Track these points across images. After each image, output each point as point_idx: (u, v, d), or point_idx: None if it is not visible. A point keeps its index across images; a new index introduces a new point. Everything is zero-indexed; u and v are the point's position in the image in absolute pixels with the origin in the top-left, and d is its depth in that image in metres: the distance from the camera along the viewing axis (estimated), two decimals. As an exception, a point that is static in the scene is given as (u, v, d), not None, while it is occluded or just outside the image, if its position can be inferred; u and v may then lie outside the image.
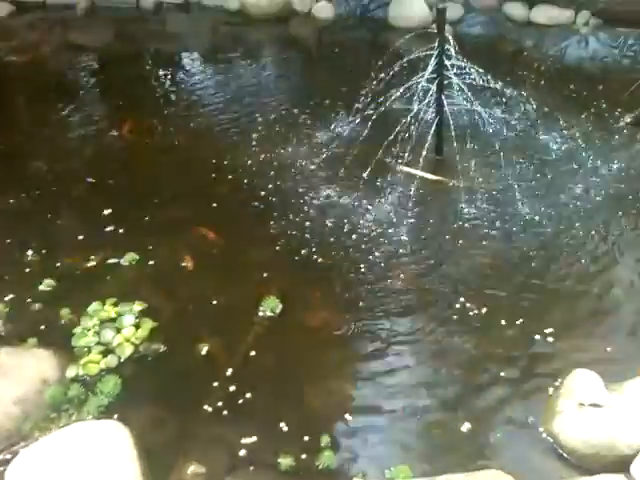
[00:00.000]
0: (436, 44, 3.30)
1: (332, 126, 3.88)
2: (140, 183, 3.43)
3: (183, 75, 4.75)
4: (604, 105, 4.05)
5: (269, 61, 5.10)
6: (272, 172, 3.50)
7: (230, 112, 4.17)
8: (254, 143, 3.77)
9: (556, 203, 3.23)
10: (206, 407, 2.26)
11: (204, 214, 3.16)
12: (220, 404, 2.27)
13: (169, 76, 4.67)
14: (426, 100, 3.38)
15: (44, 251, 2.90)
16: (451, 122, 3.34)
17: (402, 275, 2.82)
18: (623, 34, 4.74)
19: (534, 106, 3.70)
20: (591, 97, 4.17)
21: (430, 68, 3.31)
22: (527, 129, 3.79)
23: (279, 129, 3.92)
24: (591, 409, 2.17)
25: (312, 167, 3.54)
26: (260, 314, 2.61)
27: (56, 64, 4.85)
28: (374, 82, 3.60)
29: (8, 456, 2.10)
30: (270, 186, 3.38)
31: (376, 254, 2.93)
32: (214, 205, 3.24)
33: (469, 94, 3.32)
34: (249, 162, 3.58)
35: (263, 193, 3.32)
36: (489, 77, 3.32)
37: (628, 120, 3.87)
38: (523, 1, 5.04)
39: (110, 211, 3.16)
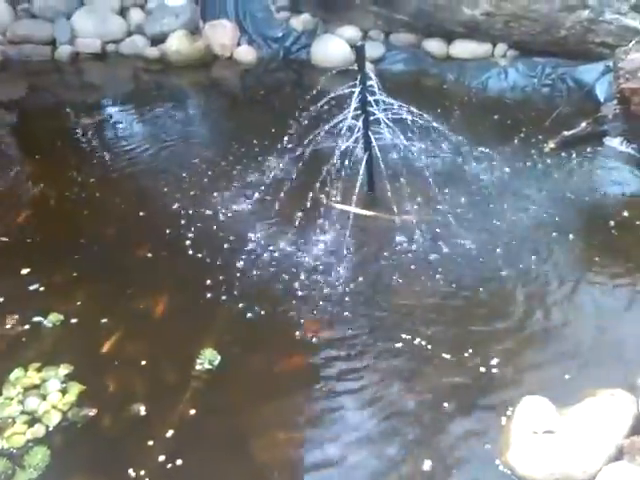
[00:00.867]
0: (358, 81, 3.34)
1: (261, 168, 3.85)
2: (59, 238, 3.31)
3: (104, 125, 4.65)
4: (528, 132, 4.19)
5: (193, 106, 5.07)
6: (200, 220, 3.41)
7: (155, 160, 4.10)
8: (180, 191, 3.68)
9: (492, 229, 3.28)
10: (142, 474, 2.14)
11: (125, 268, 3.07)
12: (156, 470, 2.15)
13: (89, 127, 4.56)
14: (354, 137, 3.41)
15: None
16: (380, 158, 3.37)
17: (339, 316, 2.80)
18: (540, 63, 4.92)
19: (461, 137, 3.79)
20: (515, 126, 4.31)
21: (353, 105, 3.35)
22: (456, 160, 3.87)
23: (206, 174, 3.86)
24: (544, 436, 2.17)
25: (243, 211, 3.49)
26: (198, 367, 2.51)
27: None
28: (301, 121, 3.62)
29: None
30: (198, 234, 3.30)
31: (314, 297, 2.89)
32: (136, 259, 3.14)
33: (396, 129, 3.36)
34: (175, 211, 3.49)
35: (190, 243, 3.24)
36: (414, 111, 3.38)
37: (552, 146, 4.01)
38: (441, 37, 5.21)
39: (29, 270, 3.01)
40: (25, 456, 2.16)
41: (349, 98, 3.37)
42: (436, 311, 2.81)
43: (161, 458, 2.18)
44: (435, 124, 3.55)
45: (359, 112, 3.37)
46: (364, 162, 3.44)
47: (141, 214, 3.48)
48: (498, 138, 4.13)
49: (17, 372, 2.42)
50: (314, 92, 3.64)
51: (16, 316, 2.72)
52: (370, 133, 3.43)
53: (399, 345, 2.62)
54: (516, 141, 4.10)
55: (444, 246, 3.17)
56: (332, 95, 3.44)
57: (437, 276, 2.99)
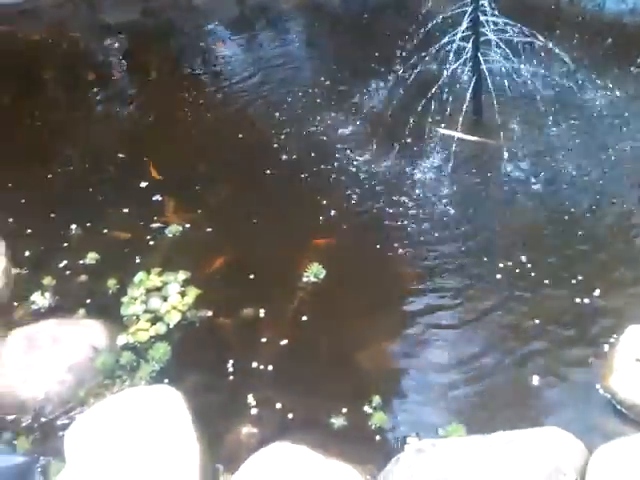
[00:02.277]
0: (469, 1, 3.23)
1: (366, 91, 3.84)
2: (173, 156, 3.42)
3: (211, 48, 4.71)
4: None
5: (298, 30, 5.04)
6: (307, 139, 3.47)
7: (260, 83, 4.13)
8: (287, 112, 3.72)
9: (603, 162, 3.16)
10: (256, 368, 2.30)
11: (243, 184, 3.16)
12: (270, 367, 2.31)
13: (197, 49, 4.65)
14: (462, 59, 3.32)
15: (88, 224, 2.93)
16: (489, 81, 3.28)
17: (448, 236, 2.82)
18: (664, -16, 4.59)
19: (574, 62, 3.61)
20: (632, 51, 4.06)
21: (464, 25, 3.25)
22: (568, 86, 3.71)
23: (311, 96, 3.88)
24: (647, 364, 2.15)
25: (347, 133, 3.51)
26: (305, 280, 2.62)
27: (85, 44, 4.85)
28: (406, 44, 3.55)
29: (66, 421, 2.16)
30: (305, 153, 3.36)
31: (420, 217, 2.92)
32: (252, 176, 3.23)
33: (507, 51, 3.25)
34: (283, 131, 3.55)
35: (294, 164, 3.30)
36: (526, 32, 3.25)
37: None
38: (557, -44, 4.91)
39: (147, 184, 3.18)
40: (149, 350, 2.35)
41: (456, 20, 3.28)
42: (539, 238, 2.78)
43: (272, 356, 2.34)
44: (547, 46, 3.41)
45: (469, 33, 3.29)
46: (471, 85, 3.36)
47: (251, 135, 3.54)
48: (613, 63, 3.91)
49: (141, 275, 2.61)
50: (422, 12, 3.55)
51: (138, 225, 2.91)
52: (480, 55, 3.34)
53: (501, 269, 2.62)
54: (632, 68, 3.88)
55: (550, 173, 3.09)
56: (442, 16, 3.35)
57: (541, 204, 2.94)
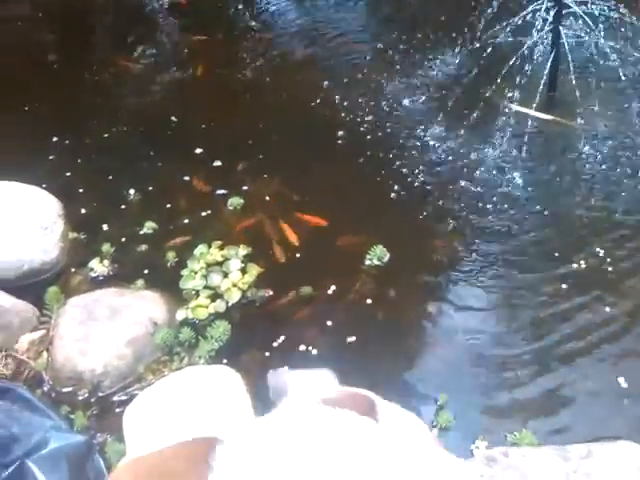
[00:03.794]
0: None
1: (434, 63, 3.67)
2: (230, 122, 3.32)
3: (266, 8, 4.53)
4: None
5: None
6: (371, 111, 3.34)
7: (320, 48, 3.95)
8: (349, 81, 3.57)
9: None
10: (312, 352, 2.26)
11: (303, 157, 3.06)
12: (328, 349, 2.26)
13: (250, 9, 4.45)
14: (541, 32, 3.14)
15: (145, 190, 2.88)
16: (569, 56, 3.11)
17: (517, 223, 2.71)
18: None
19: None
20: None
21: (547, -6, 3.06)
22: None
23: (375, 65, 3.72)
24: None
25: (414, 106, 3.38)
26: (367, 262, 2.55)
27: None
28: (480, 13, 3.38)
29: (123, 397, 2.15)
30: (370, 126, 3.23)
31: (492, 199, 2.81)
32: (312, 149, 3.13)
33: (589, 24, 3.07)
34: (345, 101, 3.40)
35: (361, 133, 3.18)
36: (612, 7, 3.05)
37: None
38: None
39: (201, 150, 3.09)
40: (208, 328, 2.31)
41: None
42: (615, 231, 2.65)
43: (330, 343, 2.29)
44: (633, 21, 3.20)
45: (551, 4, 3.10)
46: (550, 60, 3.19)
47: (310, 104, 3.41)
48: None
49: (201, 248, 2.56)
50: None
51: (200, 193, 2.85)
52: (561, 28, 3.16)
53: (578, 260, 2.51)
54: None
55: (629, 160, 2.94)
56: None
57: (620, 193, 2.80)
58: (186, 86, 3.60)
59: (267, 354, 2.27)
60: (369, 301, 2.42)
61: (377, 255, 2.56)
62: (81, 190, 2.90)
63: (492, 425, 2.02)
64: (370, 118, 3.28)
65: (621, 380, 2.13)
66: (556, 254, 2.58)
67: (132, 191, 2.87)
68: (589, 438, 1.92)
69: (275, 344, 2.30)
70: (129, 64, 3.75)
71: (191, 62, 3.76)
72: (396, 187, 2.88)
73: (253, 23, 4.21)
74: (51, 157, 3.07)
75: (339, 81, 3.55)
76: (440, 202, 2.82)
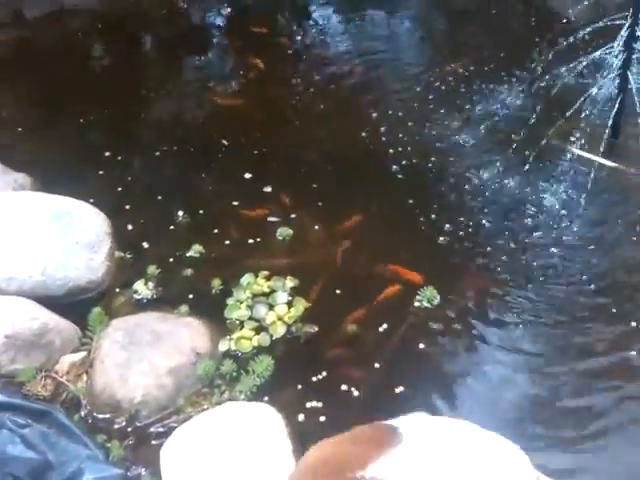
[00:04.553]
0: (630, 13, 2.97)
1: (491, 98, 3.60)
2: (280, 147, 3.28)
3: (317, 32, 4.47)
4: None
5: (412, 17, 4.77)
6: (414, 149, 3.25)
7: (363, 73, 3.87)
8: (399, 113, 3.49)
9: None
10: (354, 393, 2.21)
11: (352, 191, 3.02)
12: (368, 394, 2.20)
13: (302, 32, 4.41)
14: (608, 76, 3.07)
15: (195, 213, 2.87)
16: (637, 102, 3.03)
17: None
18: None
19: None
20: None
21: (621, 40, 2.99)
22: None
23: (421, 96, 3.61)
24: None
25: (470, 144, 3.31)
26: (416, 304, 2.49)
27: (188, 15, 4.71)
28: (542, 51, 3.32)
29: (161, 429, 2.11)
30: (421, 163, 3.17)
31: (546, 249, 2.73)
32: (363, 182, 3.07)
33: (660, 71, 3.00)
34: (393, 136, 3.33)
35: (412, 171, 3.12)
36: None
37: None
38: None
39: (251, 176, 3.06)
40: (250, 361, 2.27)
41: (601, 33, 3.01)
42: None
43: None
44: None
45: (621, 48, 3.03)
46: (616, 105, 3.12)
47: (361, 135, 3.35)
48: None
49: (248, 277, 2.53)
50: (561, 18, 3.29)
51: (249, 219, 2.83)
52: (629, 73, 3.09)
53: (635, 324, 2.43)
54: None
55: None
56: (590, 28, 3.10)
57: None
58: (238, 109, 3.58)
59: (309, 394, 2.22)
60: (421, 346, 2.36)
61: (427, 297, 2.50)
62: (129, 208, 2.90)
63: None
64: (424, 153, 3.23)
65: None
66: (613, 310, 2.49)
67: (181, 212, 2.86)
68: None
69: (316, 382, 2.25)
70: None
71: (245, 83, 3.76)
72: (447, 227, 2.82)
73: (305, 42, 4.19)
74: (102, 172, 3.07)
75: (393, 111, 3.51)
76: (489, 247, 2.75)
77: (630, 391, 2.21)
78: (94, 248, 2.58)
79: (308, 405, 2.17)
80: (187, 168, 3.12)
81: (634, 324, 2.42)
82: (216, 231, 2.79)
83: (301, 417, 2.16)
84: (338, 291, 2.55)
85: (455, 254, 2.73)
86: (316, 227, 2.82)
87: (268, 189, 2.99)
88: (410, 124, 3.41)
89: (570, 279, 2.63)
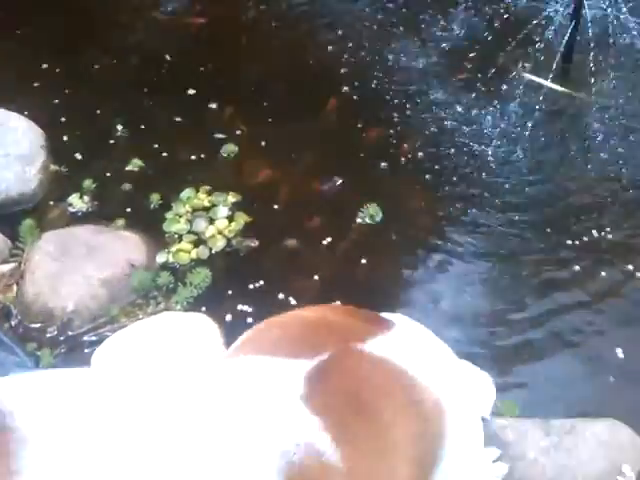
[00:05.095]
0: None
1: (443, 24, 3.54)
2: (227, 65, 3.17)
3: None
4: None
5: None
6: (376, 69, 3.22)
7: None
8: (352, 34, 3.39)
9: None
10: (291, 302, 2.23)
11: (302, 108, 2.97)
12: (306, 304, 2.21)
13: None
14: (563, 0, 3.06)
15: (135, 127, 2.79)
16: (589, 29, 3.03)
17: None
18: None
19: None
20: None
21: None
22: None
23: (381, 18, 3.52)
24: None
25: (422, 66, 3.28)
26: (359, 220, 2.50)
27: None
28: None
29: (94, 338, 2.10)
30: (372, 84, 3.13)
31: (494, 167, 2.75)
32: (315, 101, 3.02)
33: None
34: (344, 56, 3.26)
35: (363, 91, 3.08)
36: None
37: None
38: None
39: (195, 92, 2.99)
40: (188, 274, 2.25)
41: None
42: (617, 213, 2.61)
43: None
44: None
45: (575, -28, 3.01)
46: (569, 31, 3.10)
47: (313, 59, 3.25)
48: None
49: (188, 192, 2.49)
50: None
51: (192, 135, 2.78)
52: (583, -1, 3.08)
53: (571, 242, 2.47)
54: None
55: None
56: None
57: (626, 171, 2.75)
58: (183, 26, 3.45)
59: (245, 305, 2.22)
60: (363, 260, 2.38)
61: (370, 214, 2.50)
62: (66, 122, 2.80)
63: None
64: (376, 74, 3.18)
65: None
66: (548, 230, 2.54)
67: (120, 127, 2.78)
68: (574, 414, 1.89)
69: (253, 290, 2.26)
70: None
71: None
72: (392, 144, 2.81)
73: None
74: (38, 84, 2.96)
75: (345, 34, 3.44)
76: (438, 166, 2.76)
77: (567, 301, 2.27)
78: (27, 160, 2.51)
79: (239, 308, 2.18)
80: (128, 82, 3.02)
81: (576, 242, 2.47)
82: (156, 146, 2.72)
83: (229, 317, 2.16)
84: (279, 207, 2.53)
85: (400, 172, 2.72)
86: (262, 143, 2.78)
87: (213, 106, 2.92)
88: (364, 44, 3.34)
89: (514, 199, 2.66)
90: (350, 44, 3.31)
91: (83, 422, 0.76)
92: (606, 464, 1.74)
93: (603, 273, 2.36)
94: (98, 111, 2.87)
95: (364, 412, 1.04)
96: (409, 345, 1.20)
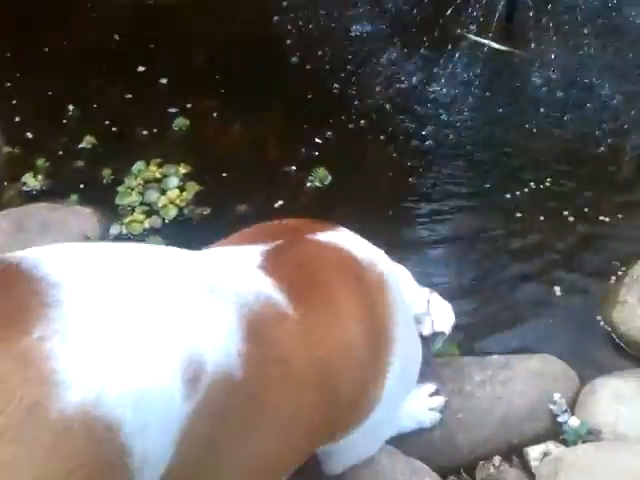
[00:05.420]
0: None
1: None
2: (174, 40, 3.22)
3: None
4: None
5: None
6: (322, 37, 3.28)
7: None
8: (299, 7, 3.44)
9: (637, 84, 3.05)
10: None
11: (252, 78, 3.05)
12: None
13: None
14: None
15: (86, 106, 2.85)
16: (529, -14, 3.12)
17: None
18: None
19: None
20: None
21: None
22: (611, 2, 3.53)
23: None
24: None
25: (367, 31, 3.35)
26: (309, 184, 2.59)
27: None
28: None
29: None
30: (321, 53, 3.20)
31: (433, 126, 2.86)
32: (260, 69, 3.11)
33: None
34: (291, 26, 3.33)
35: (310, 61, 3.16)
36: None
37: None
38: None
39: (144, 69, 3.05)
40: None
41: None
42: (557, 161, 2.73)
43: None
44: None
45: None
46: (509, -10, 3.20)
47: (256, 28, 3.35)
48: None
49: (139, 165, 2.56)
50: None
51: (143, 111, 2.84)
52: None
53: (512, 192, 2.59)
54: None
55: (579, 93, 2.99)
56: None
57: (566, 124, 2.86)
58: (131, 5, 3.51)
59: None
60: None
61: (319, 177, 2.59)
62: (18, 103, 2.86)
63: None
64: (321, 44, 3.25)
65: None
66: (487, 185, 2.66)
67: (71, 107, 2.84)
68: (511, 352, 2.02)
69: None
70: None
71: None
72: (343, 114, 2.90)
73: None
74: (-14, 68, 3.01)
75: (290, 5, 3.49)
76: (385, 128, 2.85)
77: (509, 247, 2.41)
78: (-21, 142, 2.57)
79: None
80: (77, 63, 3.07)
81: (516, 193, 2.59)
82: (108, 123, 2.79)
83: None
84: (229, 174, 2.62)
85: (348, 135, 2.81)
86: (214, 114, 2.85)
87: (163, 81, 2.99)
88: (310, 14, 3.41)
89: (460, 159, 2.77)
90: (296, 14, 3.38)
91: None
92: (539, 393, 1.86)
93: (542, 218, 2.48)
94: (50, 92, 2.92)
95: (315, 280, 1.21)
96: (356, 239, 1.40)
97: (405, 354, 1.40)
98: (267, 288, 1.11)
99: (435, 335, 1.62)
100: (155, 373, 0.81)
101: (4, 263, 0.86)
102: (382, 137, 2.84)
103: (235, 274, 1.10)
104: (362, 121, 2.88)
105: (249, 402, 0.99)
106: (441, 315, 1.61)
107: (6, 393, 0.68)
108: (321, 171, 2.61)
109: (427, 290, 1.64)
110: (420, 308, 1.56)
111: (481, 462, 1.79)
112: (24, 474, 0.65)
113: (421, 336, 1.58)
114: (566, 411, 1.84)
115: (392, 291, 1.35)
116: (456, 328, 2.11)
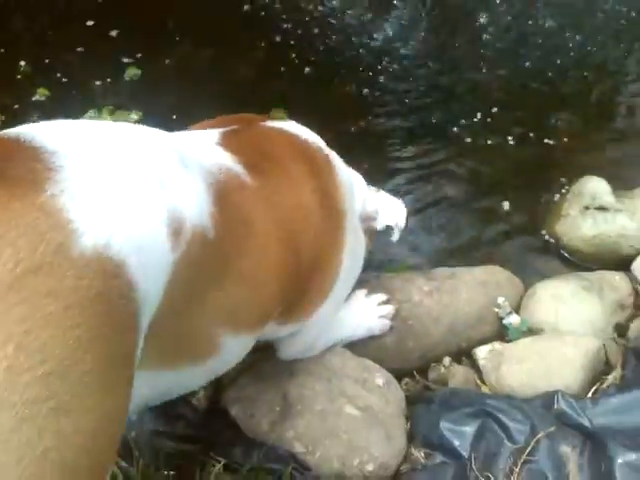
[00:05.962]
0: None
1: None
2: None
3: None
4: None
5: None
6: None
7: None
8: None
9: (583, 16, 3.14)
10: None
11: (206, 27, 3.09)
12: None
13: None
14: None
15: (38, 62, 2.90)
16: None
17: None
18: None
19: None
20: None
21: None
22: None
23: None
24: (596, 212, 2.27)
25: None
26: (267, 124, 2.66)
27: None
28: None
29: None
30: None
31: (385, 63, 2.95)
32: (219, 24, 3.13)
33: None
34: None
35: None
36: None
37: None
38: None
39: (93, 22, 3.09)
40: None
41: None
42: (505, 90, 2.84)
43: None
44: None
45: None
46: None
47: None
48: None
49: (91, 112, 2.63)
50: None
51: (95, 63, 2.89)
52: None
53: (461, 123, 2.69)
54: None
55: (527, 27, 3.09)
56: None
57: (518, 58, 2.96)
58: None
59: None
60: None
61: (278, 117, 2.66)
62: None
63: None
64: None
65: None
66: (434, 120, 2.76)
67: (23, 63, 2.89)
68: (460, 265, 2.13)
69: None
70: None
71: None
72: (294, 53, 2.99)
73: None
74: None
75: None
76: (339, 71, 2.95)
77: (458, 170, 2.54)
78: None
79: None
80: (27, 19, 3.11)
81: (462, 121, 2.70)
82: (60, 75, 2.84)
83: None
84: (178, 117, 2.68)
85: (300, 81, 2.90)
86: (167, 61, 2.91)
87: (113, 33, 3.03)
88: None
89: (414, 101, 2.85)
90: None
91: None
92: (485, 300, 1.97)
93: (489, 142, 2.61)
94: (1, 50, 2.96)
95: (269, 156, 1.37)
96: (304, 129, 1.55)
97: (353, 248, 1.53)
98: (227, 161, 1.26)
99: (391, 229, 1.74)
100: (149, 224, 0.94)
101: (2, 137, 0.96)
102: (335, 79, 2.92)
103: (199, 149, 1.24)
104: (314, 64, 2.96)
105: (221, 257, 1.12)
106: (393, 210, 1.72)
107: (38, 236, 0.79)
108: (278, 112, 2.69)
109: (374, 189, 1.75)
110: (372, 206, 1.68)
111: (432, 364, 1.90)
112: (58, 301, 0.78)
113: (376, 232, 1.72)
114: (510, 313, 1.95)
115: (341, 174, 1.51)
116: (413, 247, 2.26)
